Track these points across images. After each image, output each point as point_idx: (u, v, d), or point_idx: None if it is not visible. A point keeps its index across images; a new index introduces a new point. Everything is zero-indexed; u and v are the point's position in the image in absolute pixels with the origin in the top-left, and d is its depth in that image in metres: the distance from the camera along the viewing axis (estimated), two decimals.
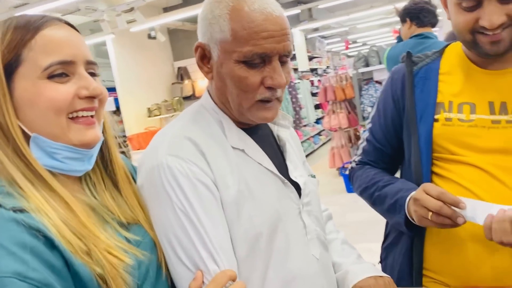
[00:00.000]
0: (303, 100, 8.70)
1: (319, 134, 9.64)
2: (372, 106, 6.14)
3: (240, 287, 0.80)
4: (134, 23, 5.95)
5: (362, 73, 6.47)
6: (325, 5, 8.23)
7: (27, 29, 0.74)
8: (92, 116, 0.80)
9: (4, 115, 0.73)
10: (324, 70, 11.29)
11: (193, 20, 7.20)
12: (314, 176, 1.11)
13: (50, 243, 0.66)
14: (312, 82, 9.70)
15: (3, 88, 0.73)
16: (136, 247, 0.79)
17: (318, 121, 9.47)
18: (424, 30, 2.83)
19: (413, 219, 1.03)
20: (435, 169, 1.09)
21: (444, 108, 1.08)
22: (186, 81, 7.54)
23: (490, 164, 1.01)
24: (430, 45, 2.64)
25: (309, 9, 9.12)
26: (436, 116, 1.08)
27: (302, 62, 10.04)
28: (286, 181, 0.98)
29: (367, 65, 6.37)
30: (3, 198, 0.68)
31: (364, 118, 6.31)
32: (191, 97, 7.52)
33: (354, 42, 15.22)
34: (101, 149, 0.86)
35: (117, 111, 6.51)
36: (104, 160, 0.88)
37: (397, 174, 1.27)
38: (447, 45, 1.18)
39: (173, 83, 7.66)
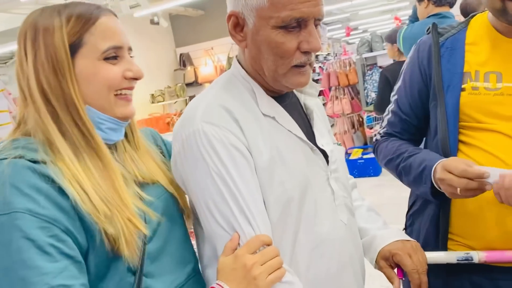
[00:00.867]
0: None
1: None
2: (375, 92, 6.15)
3: (272, 251, 0.83)
4: (137, 8, 5.92)
5: (366, 58, 6.47)
6: None
7: (88, 17, 0.87)
8: (130, 94, 0.93)
9: (69, 86, 0.84)
10: (325, 57, 11.27)
11: (196, 5, 7.16)
12: (339, 144, 1.13)
13: (59, 189, 0.76)
14: (313, 69, 9.67)
15: (69, 64, 0.85)
16: (148, 207, 0.88)
17: None
18: (442, 9, 2.78)
19: (439, 187, 1.06)
20: (462, 137, 1.11)
21: (471, 77, 1.10)
22: (189, 68, 7.53)
23: None
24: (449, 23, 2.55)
25: None
26: (463, 86, 1.10)
27: None
28: (314, 148, 1.00)
29: (370, 50, 6.37)
30: (26, 151, 0.78)
31: (367, 104, 6.32)
32: (194, 84, 7.51)
33: (355, 29, 15.15)
34: None
35: None
36: (126, 129, 0.99)
37: (422, 145, 1.30)
38: (472, 16, 1.20)
39: (175, 70, 7.64)
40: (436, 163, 1.06)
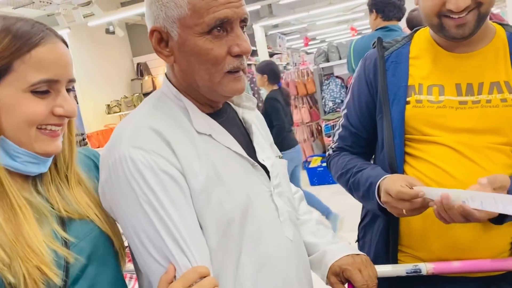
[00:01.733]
0: (265, 95, 8.73)
1: None
2: (333, 101, 6.28)
3: (209, 283, 0.78)
4: (92, 17, 5.77)
5: (323, 68, 6.59)
6: (285, 1, 8.30)
7: (25, 43, 0.75)
8: (58, 130, 0.83)
9: None
10: (285, 66, 11.39)
11: None
12: (281, 157, 1.11)
13: None
14: None
15: None
16: (68, 250, 0.79)
17: None
18: (390, 23, 2.92)
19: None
20: (408, 149, 1.13)
21: (415, 90, 1.12)
22: (146, 77, 7.39)
23: (459, 143, 1.06)
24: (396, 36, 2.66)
25: (269, 5, 9.17)
26: (407, 99, 1.12)
27: (263, 58, 10.08)
28: (255, 164, 0.97)
29: (327, 60, 6.50)
30: None
31: (325, 112, 6.43)
32: (151, 93, 7.37)
33: (313, 39, 15.46)
34: None
35: None
36: (57, 158, 0.89)
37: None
38: (415, 31, 1.22)
39: (132, 79, 7.48)
40: (379, 181, 1.07)
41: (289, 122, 4.23)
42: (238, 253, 0.89)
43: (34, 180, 0.84)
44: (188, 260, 0.80)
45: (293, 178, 4.01)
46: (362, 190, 1.14)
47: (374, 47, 1.23)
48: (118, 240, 0.91)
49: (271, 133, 1.20)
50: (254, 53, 8.82)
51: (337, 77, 6.49)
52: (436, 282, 1.11)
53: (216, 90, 0.90)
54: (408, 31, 3.12)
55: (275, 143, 1.19)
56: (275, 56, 11.21)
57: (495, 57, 1.09)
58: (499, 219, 0.97)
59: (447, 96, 1.09)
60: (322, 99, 6.46)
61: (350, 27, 10.61)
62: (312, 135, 6.85)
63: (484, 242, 1.03)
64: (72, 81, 0.83)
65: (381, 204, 1.07)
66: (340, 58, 6.35)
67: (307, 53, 15.40)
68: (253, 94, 7.76)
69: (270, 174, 1.00)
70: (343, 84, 6.47)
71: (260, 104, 5.74)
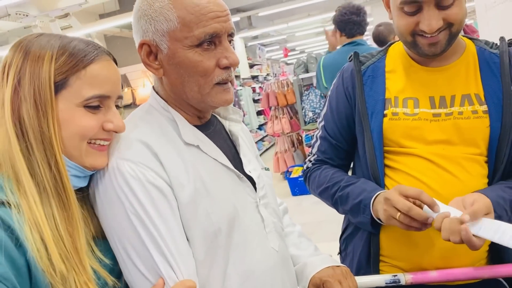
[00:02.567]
0: (246, 106, 8.77)
1: (262, 140, 9.76)
2: (313, 111, 6.33)
3: None
4: (70, 29, 5.72)
5: (302, 79, 6.66)
6: (264, 13, 8.39)
7: (81, 60, 0.80)
8: (105, 145, 0.86)
9: (49, 127, 0.77)
10: (265, 77, 11.46)
11: (131, 27, 7.02)
12: (267, 169, 1.13)
13: (17, 240, 0.69)
14: (253, 89, 9.82)
15: (52, 103, 0.77)
16: (106, 271, 0.81)
17: (260, 127, 9.58)
18: (353, 39, 3.03)
19: (379, 219, 1.07)
20: (387, 161, 1.15)
21: (391, 103, 1.15)
22: (126, 89, 7.33)
23: (434, 154, 1.09)
24: (364, 52, 2.70)
25: (249, 17, 9.25)
26: (384, 112, 1.15)
27: (243, 69, 10.13)
28: (241, 175, 0.98)
29: (306, 71, 6.56)
30: None
31: (305, 123, 6.48)
32: (131, 105, 7.31)
33: (293, 50, 15.62)
34: None
35: None
36: None
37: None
38: (390, 45, 1.26)
39: None
40: (379, 193, 1.07)
41: None
42: (225, 264, 0.90)
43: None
44: (174, 273, 0.81)
45: None
46: (352, 204, 1.13)
47: (350, 61, 1.26)
48: None
49: None
50: None
51: (316, 87, 6.55)
52: None
53: (205, 101, 0.92)
54: (374, 44, 3.39)
55: None
56: (255, 67, 11.28)
57: (466, 70, 1.13)
58: None
59: (422, 109, 1.12)
60: (302, 109, 6.51)
61: None
62: (293, 145, 6.88)
63: (462, 250, 1.05)
64: (120, 97, 0.88)
65: (374, 217, 1.07)
66: None
67: (287, 64, 15.54)
68: (236, 106, 7.79)
69: (256, 186, 1.02)
70: (322, 95, 6.53)
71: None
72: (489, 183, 1.09)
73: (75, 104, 0.79)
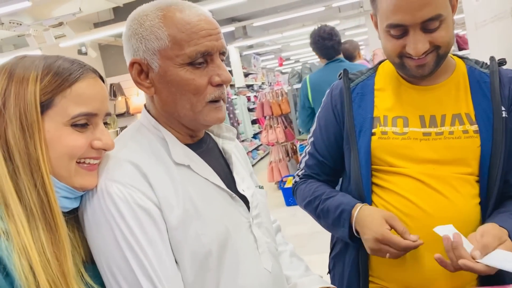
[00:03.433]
0: (240, 115, 8.78)
1: (256, 149, 9.75)
2: None
3: None
4: (63, 38, 5.71)
5: (297, 89, 6.67)
6: (259, 23, 8.43)
7: (66, 79, 0.79)
8: (95, 164, 0.85)
9: (37, 148, 0.75)
10: (260, 86, 11.49)
11: None
12: (262, 187, 1.12)
13: (4, 269, 0.68)
14: (248, 98, 9.83)
15: (38, 124, 0.76)
16: None
17: (255, 136, 9.58)
18: (333, 59, 3.22)
19: (356, 232, 1.07)
20: (375, 180, 1.14)
21: (380, 122, 1.14)
22: (120, 98, 7.33)
23: (424, 174, 1.08)
24: (350, 67, 3.00)
25: (244, 27, 9.30)
26: (373, 130, 1.14)
27: (238, 78, 10.15)
28: (234, 195, 0.97)
29: (301, 81, 6.58)
30: None
31: (300, 133, 6.48)
32: (125, 114, 7.31)
33: (288, 59, 15.69)
34: None
35: None
36: None
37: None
38: (380, 63, 1.25)
39: None
40: (352, 209, 1.09)
41: None
42: (216, 287, 0.88)
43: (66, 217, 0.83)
44: None
45: None
46: (332, 218, 1.14)
47: (340, 78, 1.25)
48: None
49: None
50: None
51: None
52: None
53: (198, 120, 0.91)
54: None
55: None
56: (250, 76, 11.30)
57: (456, 90, 1.12)
58: None
59: (412, 128, 1.11)
60: (297, 119, 6.51)
61: None
62: (288, 154, 6.87)
63: (453, 272, 1.04)
64: (108, 114, 0.87)
65: (353, 231, 1.07)
66: None
67: (282, 73, 15.61)
68: (231, 124, 7.79)
69: (250, 205, 1.00)
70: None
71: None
72: (481, 203, 1.08)
73: (62, 124, 0.78)
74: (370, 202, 1.13)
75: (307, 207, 1.25)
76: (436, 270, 1.05)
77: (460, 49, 4.38)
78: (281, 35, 9.20)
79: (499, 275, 1.01)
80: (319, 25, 3.27)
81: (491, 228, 0.97)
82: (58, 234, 0.75)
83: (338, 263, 1.25)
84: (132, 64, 0.90)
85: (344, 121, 1.20)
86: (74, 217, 0.85)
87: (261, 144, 9.36)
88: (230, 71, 9.12)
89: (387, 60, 1.24)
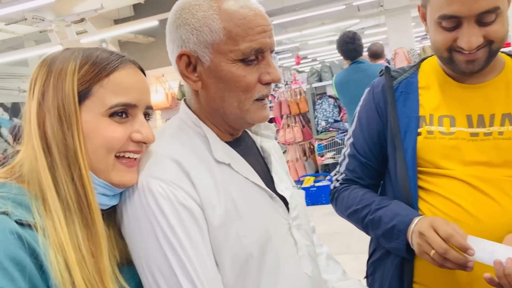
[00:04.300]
0: None
1: None
2: (326, 120, 6.27)
3: None
4: (84, 34, 5.75)
5: (316, 87, 6.61)
6: (278, 21, 8.38)
7: (104, 68, 0.77)
8: (135, 159, 0.81)
9: (74, 140, 0.73)
10: (276, 84, 11.44)
11: (145, 33, 7.06)
12: (299, 188, 1.08)
13: (40, 266, 0.66)
14: None
15: (76, 115, 0.74)
16: None
17: None
18: (355, 60, 3.75)
19: (411, 242, 1.00)
20: (420, 183, 1.09)
21: (426, 121, 1.09)
22: None
23: (472, 177, 1.03)
24: (366, 68, 3.66)
25: None
26: (419, 130, 1.09)
27: None
28: (274, 195, 0.93)
29: (320, 80, 6.52)
30: (16, 206, 0.67)
31: (318, 132, 6.42)
32: None
33: (305, 57, 15.60)
34: None
35: None
36: None
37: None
38: (422, 60, 1.20)
39: None
40: (415, 221, 1.00)
41: None
42: None
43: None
44: None
45: None
46: (384, 228, 1.07)
47: (381, 75, 1.21)
48: None
49: None
50: None
51: (330, 96, 6.50)
52: None
53: (244, 118, 0.89)
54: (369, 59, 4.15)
55: None
56: None
57: (506, 88, 1.07)
58: None
59: (459, 128, 1.06)
60: (315, 118, 6.46)
61: None
62: (305, 154, 6.82)
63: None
64: (150, 107, 0.84)
65: (410, 244, 1.01)
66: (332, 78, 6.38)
67: (298, 72, 15.54)
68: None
69: (290, 206, 0.97)
70: (335, 104, 6.48)
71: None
72: None
73: (99, 114, 0.76)
74: (416, 206, 1.07)
75: (352, 216, 1.18)
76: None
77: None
78: (299, 33, 9.15)
79: None
80: (344, 31, 3.78)
81: None
82: (95, 229, 0.73)
83: (379, 269, 1.20)
84: (181, 56, 0.87)
85: (387, 120, 1.15)
86: (109, 216, 0.82)
87: (278, 143, 9.31)
88: None
89: (429, 58, 1.20)
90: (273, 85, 0.90)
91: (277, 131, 6.97)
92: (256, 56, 0.85)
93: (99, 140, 0.75)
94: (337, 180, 1.27)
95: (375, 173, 1.22)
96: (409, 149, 1.09)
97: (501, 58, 1.10)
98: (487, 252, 0.88)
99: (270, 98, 8.43)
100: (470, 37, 0.96)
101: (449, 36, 1.00)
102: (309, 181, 5.99)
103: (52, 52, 0.80)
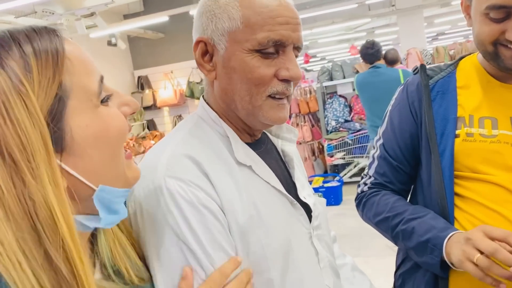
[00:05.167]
0: None
1: None
2: (336, 120, 6.19)
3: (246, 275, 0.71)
4: (94, 28, 5.70)
5: (326, 86, 6.53)
6: None
7: (53, 51, 0.54)
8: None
9: (49, 202, 0.50)
10: None
11: (155, 28, 7.01)
12: (320, 195, 1.01)
13: None
14: None
15: (49, 154, 0.50)
16: None
17: None
18: (374, 64, 4.38)
19: (451, 263, 0.93)
20: (456, 189, 1.01)
21: (465, 122, 1.02)
22: (147, 91, 7.30)
23: None
24: (383, 72, 4.25)
25: None
26: (457, 132, 1.02)
27: None
28: (295, 202, 0.87)
29: (331, 79, 6.44)
30: None
31: (328, 131, 6.34)
32: (152, 107, 7.28)
33: (314, 56, 15.48)
34: None
35: None
36: None
37: None
38: (460, 58, 1.13)
39: (133, 92, 7.39)
40: (451, 234, 0.93)
41: None
42: None
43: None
44: None
45: None
46: (417, 241, 0.99)
47: (415, 74, 1.13)
48: None
49: None
50: None
51: (340, 96, 6.43)
52: None
53: (256, 115, 0.81)
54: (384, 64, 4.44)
55: None
56: None
57: None
58: None
59: (501, 130, 0.99)
60: (325, 117, 6.38)
61: (351, 46, 10.59)
62: (314, 154, 6.74)
63: None
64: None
65: (445, 259, 0.93)
66: (344, 77, 6.30)
67: (307, 70, 15.43)
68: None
69: (312, 214, 0.90)
70: (346, 103, 6.40)
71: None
72: None
73: (94, 106, 0.58)
74: (452, 215, 1.00)
75: (381, 223, 1.11)
76: None
77: None
78: (310, 32, 9.05)
79: None
80: (367, 40, 4.47)
81: None
82: None
83: (408, 281, 1.12)
84: (198, 42, 0.81)
85: (422, 121, 1.07)
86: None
87: None
88: None
89: (468, 56, 1.12)
90: (292, 85, 0.82)
91: None
92: (277, 50, 0.78)
93: (114, 133, 0.59)
94: (365, 184, 1.19)
95: (406, 177, 1.15)
96: (445, 153, 1.01)
97: None
98: None
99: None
100: None
101: (496, 28, 0.93)
102: (318, 182, 5.92)
103: None
